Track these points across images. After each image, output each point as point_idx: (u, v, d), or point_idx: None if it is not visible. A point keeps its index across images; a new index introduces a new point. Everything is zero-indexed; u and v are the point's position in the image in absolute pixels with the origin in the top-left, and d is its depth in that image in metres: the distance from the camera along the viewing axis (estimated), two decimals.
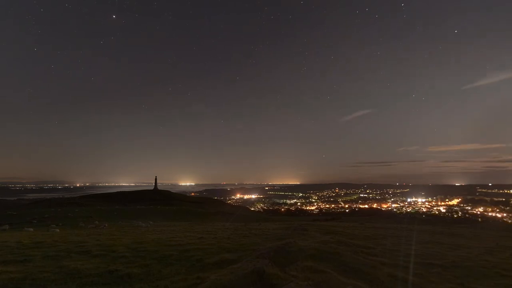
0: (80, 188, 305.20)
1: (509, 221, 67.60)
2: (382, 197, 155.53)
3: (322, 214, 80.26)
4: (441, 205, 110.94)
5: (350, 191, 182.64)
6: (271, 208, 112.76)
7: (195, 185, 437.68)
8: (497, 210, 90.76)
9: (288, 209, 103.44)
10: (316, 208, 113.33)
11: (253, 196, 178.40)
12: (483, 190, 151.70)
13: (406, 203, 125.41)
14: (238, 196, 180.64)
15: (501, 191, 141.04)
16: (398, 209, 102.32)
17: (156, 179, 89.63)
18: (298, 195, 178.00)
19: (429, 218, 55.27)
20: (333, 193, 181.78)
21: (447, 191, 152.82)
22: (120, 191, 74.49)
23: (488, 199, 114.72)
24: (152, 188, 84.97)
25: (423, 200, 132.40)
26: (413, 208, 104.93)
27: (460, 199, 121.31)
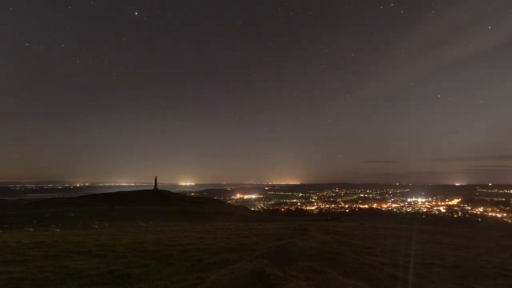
0: (80, 188, 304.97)
1: (509, 221, 67.51)
2: (382, 197, 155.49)
3: (322, 214, 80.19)
4: (441, 205, 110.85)
5: (350, 191, 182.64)
6: (271, 208, 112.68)
7: (195, 185, 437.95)
8: (497, 210, 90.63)
9: (288, 209, 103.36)
10: (316, 208, 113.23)
11: (253, 196, 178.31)
12: (483, 190, 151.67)
13: (406, 203, 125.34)
14: (238, 196, 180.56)
15: (501, 191, 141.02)
16: (398, 209, 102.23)
17: (156, 179, 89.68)
18: (298, 195, 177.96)
19: (429, 218, 55.10)
20: (333, 193, 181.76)
21: (447, 191, 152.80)
22: (120, 191, 74.48)
23: (488, 199, 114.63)
24: (152, 188, 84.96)
25: (423, 200, 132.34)
26: (413, 208, 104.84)
27: (460, 199, 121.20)
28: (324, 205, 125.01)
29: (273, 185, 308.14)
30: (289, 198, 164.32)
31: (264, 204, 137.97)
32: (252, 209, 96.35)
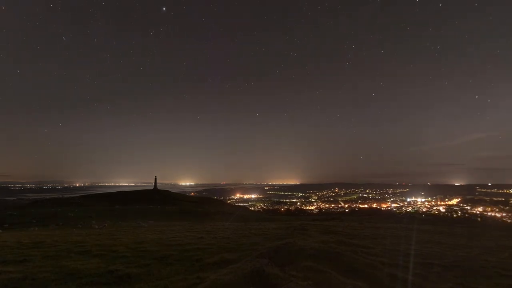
0: (80, 188, 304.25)
1: (509, 220, 67.63)
2: (381, 197, 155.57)
3: (322, 214, 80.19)
4: (440, 205, 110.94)
5: (350, 191, 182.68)
6: (271, 208, 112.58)
7: (195, 185, 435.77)
8: (497, 210, 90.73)
9: (288, 209, 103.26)
10: (316, 208, 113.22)
11: (253, 196, 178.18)
12: (483, 190, 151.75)
13: (406, 202, 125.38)
14: (237, 196, 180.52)
15: (500, 191, 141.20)
16: (398, 209, 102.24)
17: (156, 179, 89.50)
18: (298, 195, 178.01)
19: (429, 217, 55.13)
20: (333, 193, 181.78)
21: (446, 190, 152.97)
22: (120, 191, 74.37)
23: (488, 198, 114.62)
24: (152, 188, 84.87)
25: (423, 200, 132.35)
26: (413, 208, 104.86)
27: (459, 199, 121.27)
28: (324, 205, 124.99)
29: (273, 185, 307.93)
30: (289, 198, 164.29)
31: (264, 204, 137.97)
32: (252, 209, 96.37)
